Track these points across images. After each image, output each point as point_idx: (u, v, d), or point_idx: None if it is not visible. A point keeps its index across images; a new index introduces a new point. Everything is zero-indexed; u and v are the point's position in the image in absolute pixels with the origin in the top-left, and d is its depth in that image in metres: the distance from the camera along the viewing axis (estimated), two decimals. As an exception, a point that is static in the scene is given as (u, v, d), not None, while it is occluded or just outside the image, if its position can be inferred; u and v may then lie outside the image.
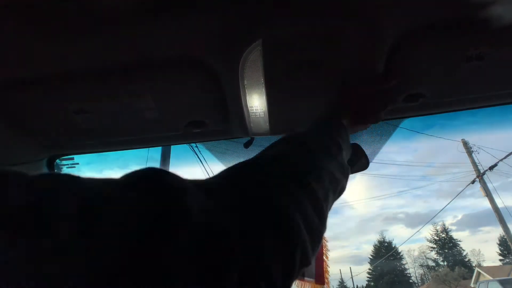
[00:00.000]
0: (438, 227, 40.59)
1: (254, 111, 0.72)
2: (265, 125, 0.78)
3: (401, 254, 41.77)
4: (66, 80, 0.63)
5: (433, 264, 39.49)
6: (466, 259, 37.57)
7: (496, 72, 0.68)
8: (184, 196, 0.25)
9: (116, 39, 0.56)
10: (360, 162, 1.14)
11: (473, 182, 13.68)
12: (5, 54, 0.57)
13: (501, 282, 12.14)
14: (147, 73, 0.63)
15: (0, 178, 0.22)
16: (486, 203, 13.51)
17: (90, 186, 0.23)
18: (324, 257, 1.42)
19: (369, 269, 42.02)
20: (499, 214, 13.03)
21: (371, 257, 43.07)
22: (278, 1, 0.52)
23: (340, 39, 0.57)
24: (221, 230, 0.25)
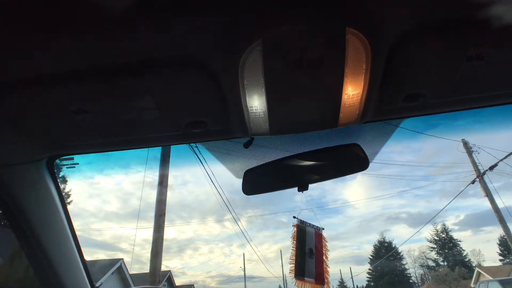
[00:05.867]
0: (438, 227, 40.61)
1: (254, 111, 0.72)
2: (264, 125, 0.78)
3: (401, 254, 41.78)
4: (66, 80, 0.63)
5: (433, 264, 39.49)
6: (466, 259, 37.57)
7: (496, 72, 0.68)
8: None
9: (116, 39, 0.56)
10: (360, 162, 1.14)
11: (473, 182, 13.67)
12: (5, 54, 0.57)
13: (501, 282, 12.12)
14: (147, 73, 0.63)
15: None
16: (488, 203, 13.52)
17: None
18: (324, 257, 1.42)
19: (369, 269, 42.02)
20: (499, 214, 13.03)
21: (371, 257, 43.08)
22: (278, 1, 0.52)
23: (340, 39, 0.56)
24: None
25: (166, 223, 8.15)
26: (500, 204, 13.14)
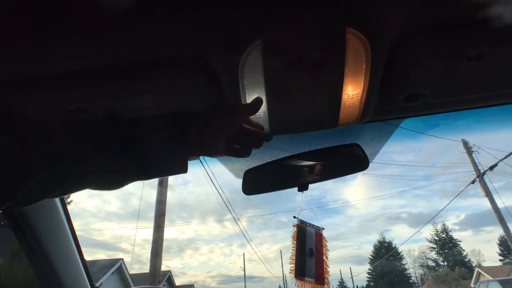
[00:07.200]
0: (439, 227, 40.59)
1: None
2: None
3: (401, 254, 41.78)
4: (66, 80, 0.63)
5: (433, 264, 39.49)
6: (466, 259, 37.57)
7: (496, 72, 0.68)
8: None
9: (116, 39, 0.56)
10: (360, 162, 1.14)
11: (473, 182, 13.68)
12: (4, 54, 0.57)
13: (501, 282, 12.11)
14: (147, 73, 0.63)
15: None
16: (488, 203, 13.50)
17: None
18: (324, 257, 1.42)
19: (369, 269, 42.02)
20: (499, 214, 13.03)
21: (371, 257, 43.06)
22: (278, 1, 0.52)
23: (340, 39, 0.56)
24: None
25: (166, 223, 8.15)
26: (500, 204, 13.16)
